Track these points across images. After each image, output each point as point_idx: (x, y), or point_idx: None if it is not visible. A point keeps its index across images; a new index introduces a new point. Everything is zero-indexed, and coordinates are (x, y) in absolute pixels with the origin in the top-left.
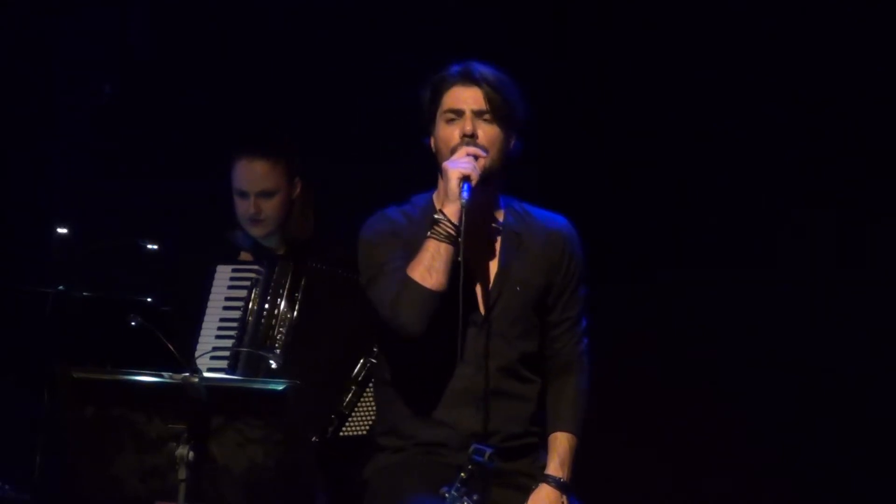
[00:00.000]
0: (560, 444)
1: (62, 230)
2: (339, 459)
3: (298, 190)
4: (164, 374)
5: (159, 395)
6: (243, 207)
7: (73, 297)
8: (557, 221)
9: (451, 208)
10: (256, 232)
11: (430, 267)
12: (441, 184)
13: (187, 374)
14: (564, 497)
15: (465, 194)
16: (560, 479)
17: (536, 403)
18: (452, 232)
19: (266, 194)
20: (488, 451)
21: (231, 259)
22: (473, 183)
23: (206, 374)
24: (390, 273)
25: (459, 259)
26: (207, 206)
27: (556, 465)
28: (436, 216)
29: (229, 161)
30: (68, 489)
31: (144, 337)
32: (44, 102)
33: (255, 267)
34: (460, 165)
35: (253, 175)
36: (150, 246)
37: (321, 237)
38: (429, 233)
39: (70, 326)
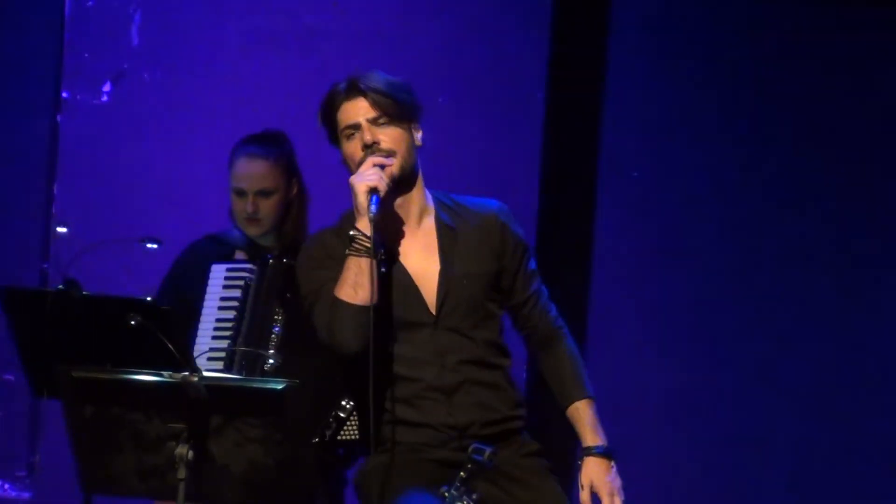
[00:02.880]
0: (584, 413)
1: (62, 230)
2: (337, 463)
3: (295, 190)
4: (164, 373)
5: (159, 395)
6: (240, 206)
7: (73, 297)
8: (489, 206)
9: (363, 222)
10: (252, 231)
11: (354, 284)
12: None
13: (187, 373)
14: (612, 462)
15: (373, 207)
16: (602, 446)
17: (511, 386)
18: (369, 245)
19: (264, 193)
20: (488, 451)
21: (226, 258)
22: (382, 193)
23: (206, 374)
24: (325, 295)
25: (383, 270)
26: (205, 204)
27: (590, 434)
28: (351, 233)
29: (228, 159)
30: (68, 488)
31: (144, 336)
32: (45, 101)
33: (249, 266)
34: (366, 178)
35: (252, 174)
36: (149, 245)
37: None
38: (347, 251)
39: (70, 326)
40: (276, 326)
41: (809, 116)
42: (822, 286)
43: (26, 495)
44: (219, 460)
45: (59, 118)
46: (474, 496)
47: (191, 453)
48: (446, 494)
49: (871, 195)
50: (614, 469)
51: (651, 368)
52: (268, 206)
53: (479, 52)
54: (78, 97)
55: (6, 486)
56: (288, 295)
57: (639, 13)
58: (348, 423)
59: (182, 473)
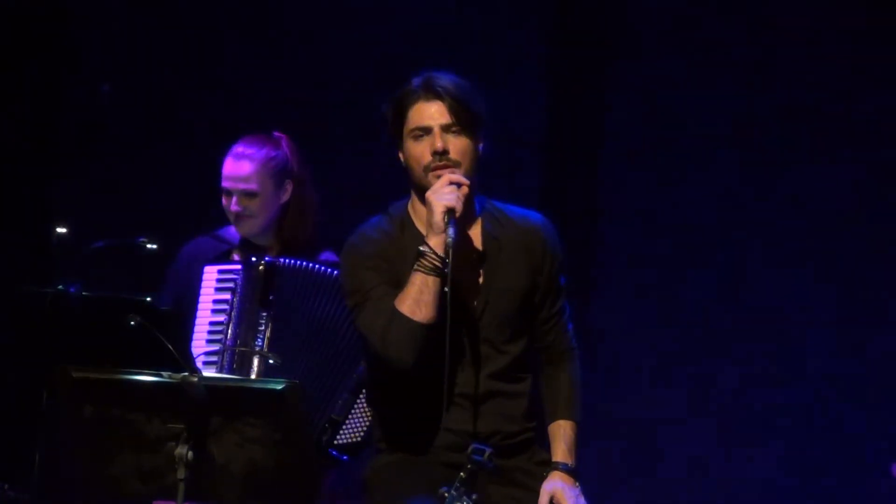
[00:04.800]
0: (564, 432)
1: (62, 230)
2: (337, 464)
3: (289, 193)
4: (164, 373)
5: (158, 395)
6: (227, 205)
7: (73, 297)
8: (533, 220)
9: (435, 241)
10: (242, 230)
11: (418, 300)
12: (414, 197)
13: (186, 373)
14: (577, 483)
15: (451, 230)
16: (570, 465)
17: (529, 397)
18: (439, 264)
19: (248, 195)
20: (487, 451)
21: (225, 255)
22: (458, 215)
23: (205, 374)
24: (377, 300)
25: (446, 290)
26: (204, 204)
27: (563, 452)
28: (421, 248)
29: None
30: (67, 489)
31: (144, 337)
32: (45, 102)
33: (237, 269)
34: (444, 198)
35: (236, 175)
36: (149, 246)
37: (318, 239)
38: (415, 265)
39: (70, 326)
40: (261, 330)
41: (818, 116)
42: (825, 291)
43: (26, 495)
44: (219, 460)
45: (59, 118)
46: (474, 496)
47: (190, 454)
48: (446, 495)
49: (875, 199)
50: (579, 488)
51: (651, 368)
52: (253, 207)
53: (479, 53)
54: (78, 97)
55: (6, 486)
56: (271, 297)
57: (639, 12)
58: (345, 425)
59: (182, 474)
